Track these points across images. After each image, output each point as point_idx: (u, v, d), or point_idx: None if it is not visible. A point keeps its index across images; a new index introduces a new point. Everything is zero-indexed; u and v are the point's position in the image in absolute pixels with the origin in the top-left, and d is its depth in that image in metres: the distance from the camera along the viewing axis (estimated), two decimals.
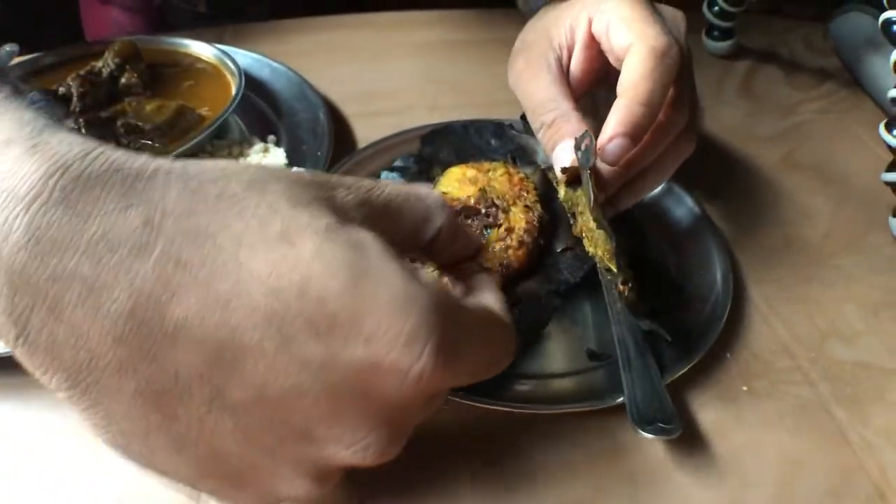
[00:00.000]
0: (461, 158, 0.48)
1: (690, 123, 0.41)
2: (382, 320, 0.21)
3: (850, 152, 0.55)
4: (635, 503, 0.34)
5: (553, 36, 0.41)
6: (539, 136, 0.41)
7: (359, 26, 0.65)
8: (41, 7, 0.84)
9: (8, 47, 0.66)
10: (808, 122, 0.57)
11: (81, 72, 0.58)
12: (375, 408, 0.22)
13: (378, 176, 0.48)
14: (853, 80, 0.62)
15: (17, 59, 0.66)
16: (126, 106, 0.54)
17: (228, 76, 0.57)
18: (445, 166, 0.47)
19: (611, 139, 0.36)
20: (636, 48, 0.37)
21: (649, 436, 0.34)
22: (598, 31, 0.40)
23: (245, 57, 0.60)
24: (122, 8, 0.77)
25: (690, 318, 0.41)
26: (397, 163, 0.48)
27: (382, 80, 0.59)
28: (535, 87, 0.40)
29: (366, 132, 0.54)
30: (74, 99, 0.55)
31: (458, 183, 0.45)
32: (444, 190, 0.45)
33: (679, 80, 0.39)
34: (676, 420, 0.35)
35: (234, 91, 0.54)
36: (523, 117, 0.44)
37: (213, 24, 0.72)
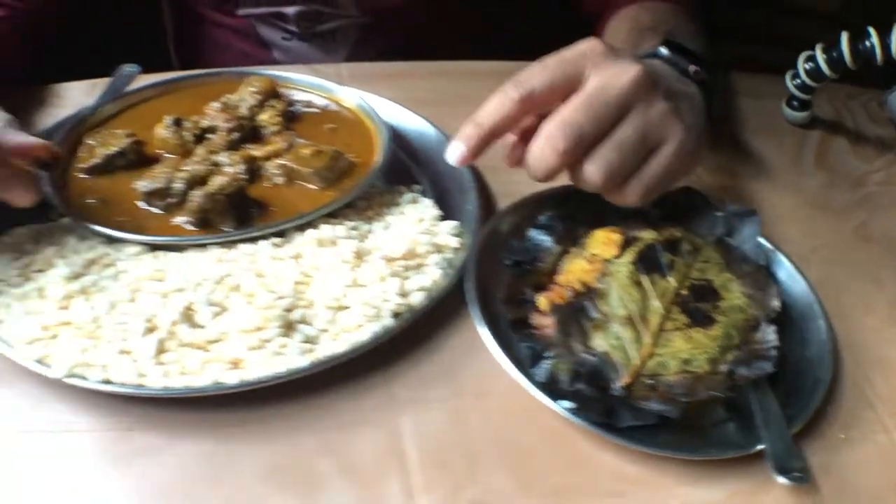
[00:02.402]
0: (598, 219, 0.56)
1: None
2: None
3: None
4: None
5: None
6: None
7: (476, 75, 0.71)
8: (125, 27, 0.88)
9: (127, 68, 0.70)
10: (875, 194, 0.68)
11: (216, 103, 0.64)
12: None
13: (523, 234, 0.56)
14: None
15: (147, 80, 0.70)
16: (277, 147, 0.60)
17: (367, 122, 0.64)
18: (588, 226, 0.56)
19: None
20: None
21: (788, 482, 0.44)
22: None
23: (377, 100, 0.66)
24: (228, 28, 0.82)
25: (800, 376, 0.51)
26: (541, 220, 0.56)
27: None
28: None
29: (501, 186, 0.61)
30: (223, 134, 0.61)
31: (603, 245, 0.54)
32: (594, 252, 0.53)
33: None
34: (808, 470, 0.45)
35: (380, 140, 0.61)
36: None
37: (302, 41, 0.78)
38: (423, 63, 0.73)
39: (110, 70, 0.75)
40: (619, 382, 0.47)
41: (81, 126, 0.63)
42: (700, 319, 0.50)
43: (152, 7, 0.87)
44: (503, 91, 0.50)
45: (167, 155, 0.61)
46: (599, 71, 0.49)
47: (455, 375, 0.50)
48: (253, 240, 0.53)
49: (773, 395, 0.49)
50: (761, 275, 0.55)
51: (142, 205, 0.57)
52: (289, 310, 0.49)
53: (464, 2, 0.83)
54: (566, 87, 0.49)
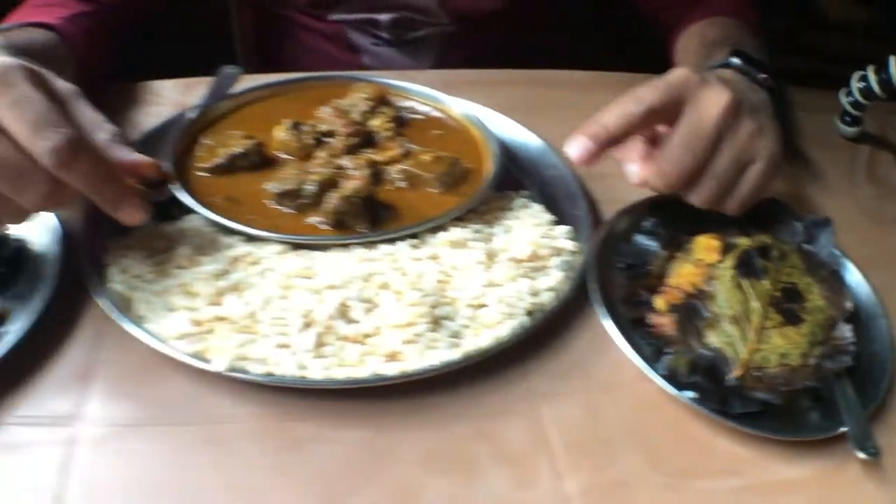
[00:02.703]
0: (696, 225, 0.61)
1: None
2: None
3: None
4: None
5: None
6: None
7: (567, 84, 0.75)
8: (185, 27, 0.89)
9: (228, 69, 0.72)
10: None
11: (327, 108, 0.67)
12: None
13: (631, 239, 0.61)
14: None
15: (253, 81, 0.73)
16: (395, 152, 0.64)
17: (472, 129, 0.68)
18: (688, 232, 0.61)
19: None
20: None
21: (865, 457, 0.50)
22: None
23: (477, 108, 0.70)
24: (316, 32, 0.84)
25: (869, 369, 0.57)
26: (646, 225, 0.62)
27: None
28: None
29: (603, 193, 0.66)
30: (342, 138, 0.64)
31: (706, 251, 0.59)
32: (699, 256, 0.59)
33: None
34: (878, 447, 0.51)
35: (489, 148, 0.65)
36: None
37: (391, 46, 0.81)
38: (514, 71, 0.77)
39: (174, 69, 0.77)
40: (733, 374, 0.53)
41: (193, 126, 0.66)
42: (791, 318, 0.56)
43: (220, 8, 0.89)
44: (624, 104, 0.56)
45: (285, 156, 0.64)
46: (697, 99, 0.56)
47: (585, 369, 0.55)
48: (391, 241, 0.57)
49: (851, 385, 0.56)
50: (835, 279, 0.62)
51: (270, 203, 0.60)
52: (434, 306, 0.53)
53: (547, 13, 0.88)
54: (671, 109, 0.56)
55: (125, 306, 0.54)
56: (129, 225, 0.53)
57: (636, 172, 0.59)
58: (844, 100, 0.78)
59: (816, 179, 0.75)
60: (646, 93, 0.56)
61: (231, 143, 0.63)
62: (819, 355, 0.56)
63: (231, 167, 0.62)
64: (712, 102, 0.56)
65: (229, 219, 0.58)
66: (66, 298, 0.55)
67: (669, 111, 0.56)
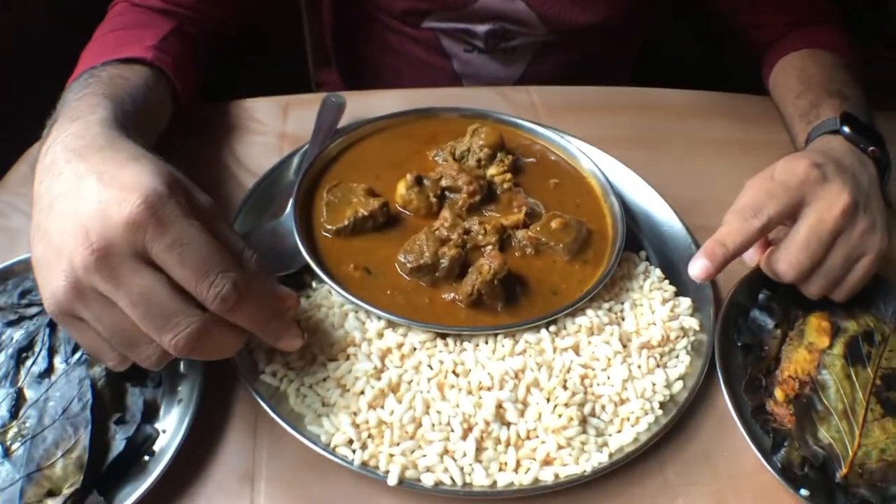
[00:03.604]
0: (804, 303, 0.63)
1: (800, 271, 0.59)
2: None
3: None
4: None
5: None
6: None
7: (668, 109, 0.71)
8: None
9: (332, 98, 0.66)
10: None
11: (442, 152, 0.64)
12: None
13: (747, 313, 0.63)
14: None
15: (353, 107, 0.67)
16: (521, 216, 0.62)
17: (590, 179, 0.66)
18: (799, 306, 0.63)
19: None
20: None
21: None
22: None
23: (583, 146, 0.68)
24: (406, 37, 0.77)
25: None
26: (761, 299, 0.64)
27: (700, 185, 0.69)
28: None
29: None
30: (464, 195, 0.61)
31: (817, 333, 0.62)
32: (810, 340, 0.62)
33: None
34: None
35: (610, 205, 0.64)
36: None
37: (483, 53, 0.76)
38: (612, 90, 0.73)
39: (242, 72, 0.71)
40: (840, 473, 0.57)
41: (309, 174, 0.62)
42: (890, 409, 0.59)
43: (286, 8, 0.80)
44: (744, 218, 0.58)
45: (407, 212, 0.62)
46: (817, 199, 0.59)
47: (712, 458, 0.58)
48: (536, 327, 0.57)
49: None
50: None
51: (402, 273, 0.59)
52: (581, 405, 0.54)
53: (640, 23, 0.83)
54: (791, 213, 0.59)
55: (278, 401, 0.53)
56: (289, 350, 0.52)
57: (753, 258, 0.62)
58: None
59: None
60: (765, 203, 0.58)
61: (354, 200, 0.59)
62: None
63: (357, 229, 0.59)
64: (831, 205, 0.58)
65: (369, 302, 0.56)
66: (214, 387, 0.54)
67: (789, 215, 0.59)
